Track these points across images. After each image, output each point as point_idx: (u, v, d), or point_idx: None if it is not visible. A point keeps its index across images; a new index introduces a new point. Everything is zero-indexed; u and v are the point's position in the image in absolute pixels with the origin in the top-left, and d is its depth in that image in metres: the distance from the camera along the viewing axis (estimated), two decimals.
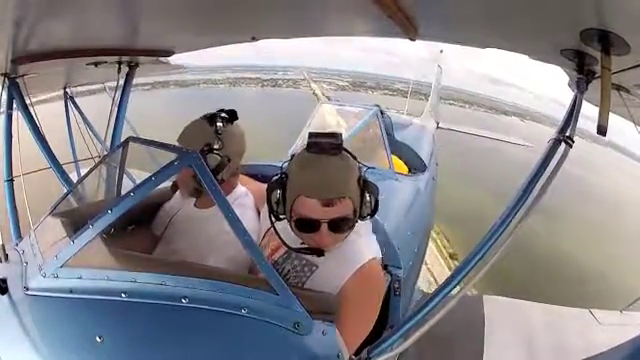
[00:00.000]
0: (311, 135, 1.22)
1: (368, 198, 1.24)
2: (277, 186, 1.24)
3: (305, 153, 1.22)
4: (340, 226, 1.19)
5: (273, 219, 1.28)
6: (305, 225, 1.20)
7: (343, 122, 2.89)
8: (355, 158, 1.26)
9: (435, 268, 16.41)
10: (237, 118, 1.62)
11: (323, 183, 1.16)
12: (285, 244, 1.26)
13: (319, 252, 1.23)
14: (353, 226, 1.24)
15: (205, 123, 1.56)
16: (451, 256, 18.18)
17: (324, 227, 1.18)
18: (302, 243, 1.26)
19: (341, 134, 1.24)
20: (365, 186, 1.24)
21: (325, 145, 1.19)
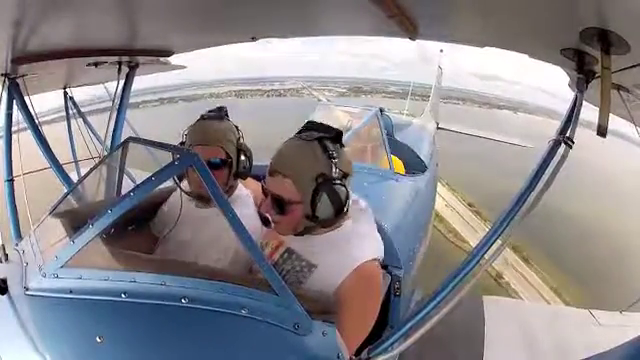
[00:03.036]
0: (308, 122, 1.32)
1: (320, 200, 1.18)
2: None
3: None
4: (275, 204, 1.24)
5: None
6: (263, 191, 1.29)
7: (343, 122, 2.89)
8: (331, 158, 1.21)
9: (462, 213, 24.06)
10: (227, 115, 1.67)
11: (275, 154, 1.25)
12: (260, 215, 1.33)
13: (265, 221, 1.30)
14: (298, 216, 1.22)
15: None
16: (470, 205, 25.47)
17: (269, 198, 1.26)
18: None
19: (335, 131, 1.27)
20: (324, 187, 1.18)
21: (305, 130, 1.27)
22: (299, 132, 1.28)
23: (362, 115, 2.92)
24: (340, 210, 1.22)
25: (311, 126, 1.29)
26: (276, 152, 1.26)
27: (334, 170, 1.21)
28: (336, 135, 1.26)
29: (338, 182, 1.21)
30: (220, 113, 1.63)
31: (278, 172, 1.22)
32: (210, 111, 1.64)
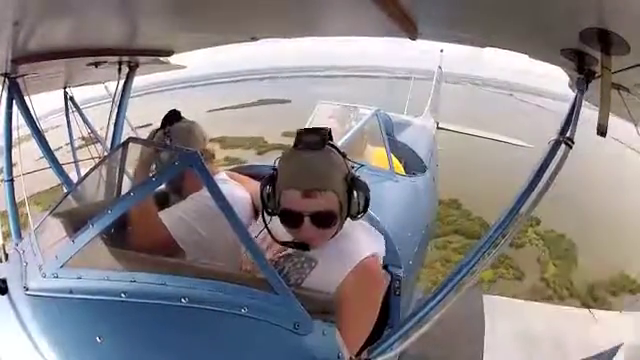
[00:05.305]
0: (299, 132, 1.27)
1: (356, 196, 1.23)
2: (268, 182, 1.28)
3: (291, 149, 1.26)
4: (323, 221, 1.20)
5: (266, 215, 1.29)
6: (288, 218, 1.22)
7: (342, 122, 2.89)
8: (344, 156, 1.26)
9: None
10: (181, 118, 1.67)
11: (302, 174, 1.19)
12: (273, 237, 1.28)
13: (304, 246, 1.25)
14: (339, 222, 1.23)
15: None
16: None
17: (307, 221, 1.20)
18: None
19: (328, 130, 1.27)
20: (353, 183, 1.24)
21: (308, 140, 1.23)
22: (297, 145, 1.24)
23: (362, 115, 2.91)
24: (369, 198, 1.26)
25: (305, 135, 1.26)
26: (299, 173, 1.20)
27: (349, 165, 1.26)
28: (329, 135, 1.29)
29: (357, 175, 1.26)
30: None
31: (317, 190, 1.18)
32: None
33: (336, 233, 1.26)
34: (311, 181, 1.19)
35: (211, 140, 1.77)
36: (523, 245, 13.57)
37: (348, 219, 1.31)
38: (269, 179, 1.28)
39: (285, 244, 1.27)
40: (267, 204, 1.29)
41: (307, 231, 1.21)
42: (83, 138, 3.02)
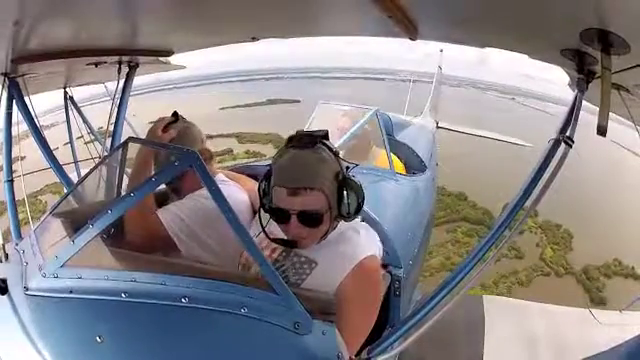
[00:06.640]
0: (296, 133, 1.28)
1: (347, 196, 1.21)
2: (264, 178, 1.29)
3: (284, 148, 1.26)
4: (310, 219, 1.19)
5: (262, 211, 1.30)
6: (277, 215, 1.23)
7: (343, 122, 2.89)
8: (337, 154, 1.25)
9: None
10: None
11: (289, 172, 1.19)
12: (265, 232, 1.28)
13: (292, 244, 1.25)
14: (328, 222, 1.22)
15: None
16: None
17: (294, 219, 1.19)
18: None
19: (324, 132, 1.26)
20: (345, 183, 1.22)
21: (299, 140, 1.23)
22: (290, 145, 1.24)
23: (362, 115, 2.92)
24: (362, 199, 1.24)
25: (298, 136, 1.27)
26: (287, 170, 1.20)
27: (342, 164, 1.24)
28: (325, 134, 1.28)
29: (349, 174, 1.25)
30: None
31: (304, 188, 1.17)
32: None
33: (327, 233, 1.25)
34: (297, 179, 1.18)
35: (227, 136, 1.77)
36: (522, 232, 14.62)
37: (343, 220, 1.30)
38: (266, 175, 1.29)
39: (274, 241, 1.28)
40: (263, 200, 1.30)
41: (295, 229, 1.21)
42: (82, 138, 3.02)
